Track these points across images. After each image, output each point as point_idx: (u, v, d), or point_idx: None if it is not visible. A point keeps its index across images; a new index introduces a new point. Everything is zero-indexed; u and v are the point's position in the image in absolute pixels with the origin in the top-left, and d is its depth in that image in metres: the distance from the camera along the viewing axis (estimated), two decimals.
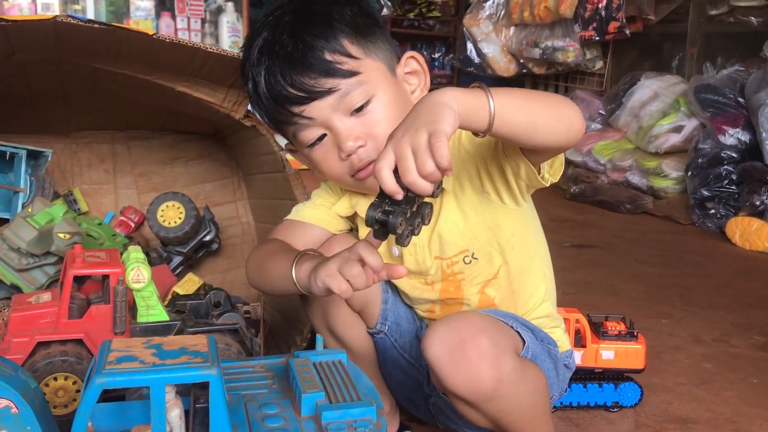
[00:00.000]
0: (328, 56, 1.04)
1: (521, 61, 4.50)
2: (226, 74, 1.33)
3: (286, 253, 1.12)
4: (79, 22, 1.12)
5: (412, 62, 1.15)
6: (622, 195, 3.53)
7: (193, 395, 0.80)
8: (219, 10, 4.28)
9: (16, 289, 1.31)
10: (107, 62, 1.31)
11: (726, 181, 3.16)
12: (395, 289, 1.24)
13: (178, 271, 1.77)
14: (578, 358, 1.44)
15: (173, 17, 4.21)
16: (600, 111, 3.93)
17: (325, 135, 1.09)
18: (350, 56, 1.05)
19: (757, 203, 2.92)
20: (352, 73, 1.05)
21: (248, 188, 1.93)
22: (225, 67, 1.29)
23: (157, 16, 4.19)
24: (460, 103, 0.85)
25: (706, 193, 3.20)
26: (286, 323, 1.62)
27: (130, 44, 1.21)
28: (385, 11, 4.59)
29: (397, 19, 5.21)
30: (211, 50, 1.21)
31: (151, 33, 1.16)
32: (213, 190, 1.93)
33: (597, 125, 3.90)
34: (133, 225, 1.82)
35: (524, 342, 1.07)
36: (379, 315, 1.21)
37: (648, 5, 3.84)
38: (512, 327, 1.08)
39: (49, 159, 1.61)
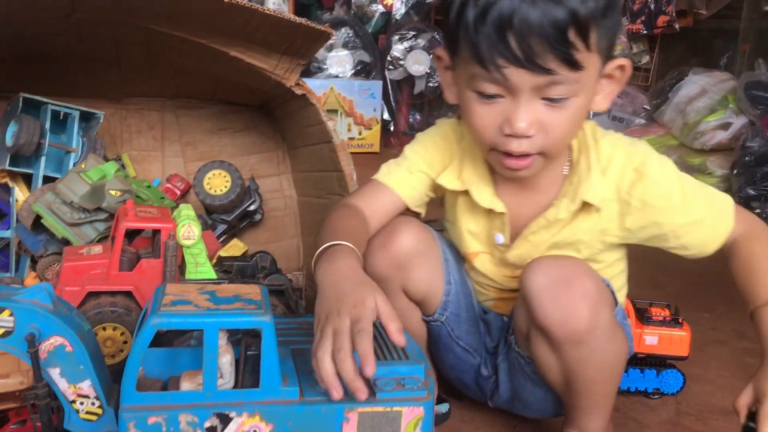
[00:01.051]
0: (571, 36, 0.89)
1: None
2: (279, 40, 1.33)
3: (329, 233, 1.07)
4: None
5: (621, 71, 1.02)
6: None
7: (245, 343, 0.80)
8: None
9: (66, 243, 1.33)
10: (163, 23, 1.32)
11: None
12: (459, 279, 1.22)
13: (221, 239, 1.78)
14: None
15: None
16: (645, 106, 3.87)
17: (502, 98, 0.97)
18: (586, 46, 0.91)
19: None
20: (578, 66, 0.91)
21: (292, 162, 1.94)
22: (279, 32, 1.29)
23: None
24: None
25: (751, 192, 3.13)
26: None
27: (189, 3, 1.22)
28: None
29: (440, 5, 5.17)
30: (267, 12, 1.21)
31: None
32: (258, 162, 1.94)
33: (641, 120, 3.84)
34: (178, 192, 1.83)
35: (617, 304, 1.07)
36: (439, 305, 1.20)
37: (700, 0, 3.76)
38: (608, 285, 1.07)
39: (101, 121, 1.63)
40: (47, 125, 1.53)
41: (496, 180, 1.14)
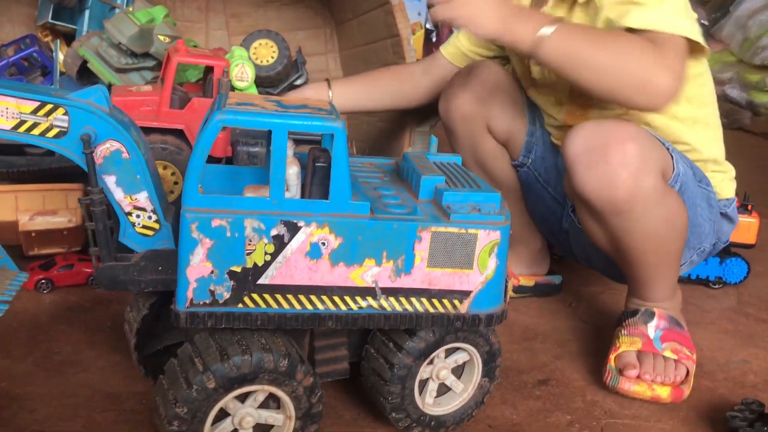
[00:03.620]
0: None
1: None
2: None
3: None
4: None
5: None
6: (719, 109, 3.33)
7: (312, 155, 0.75)
8: None
9: None
10: None
11: None
12: (542, 123, 1.19)
13: None
14: None
15: None
16: (702, 21, 3.69)
17: None
18: None
19: None
20: None
21: (341, 39, 1.85)
22: None
23: None
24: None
25: None
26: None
27: None
28: None
29: None
30: None
31: None
32: (304, 38, 1.85)
33: None
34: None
35: (675, 170, 0.98)
36: (522, 147, 1.19)
37: None
38: (669, 149, 0.99)
39: None
40: None
41: None
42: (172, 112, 1.07)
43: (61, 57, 1.51)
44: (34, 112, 0.73)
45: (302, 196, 0.74)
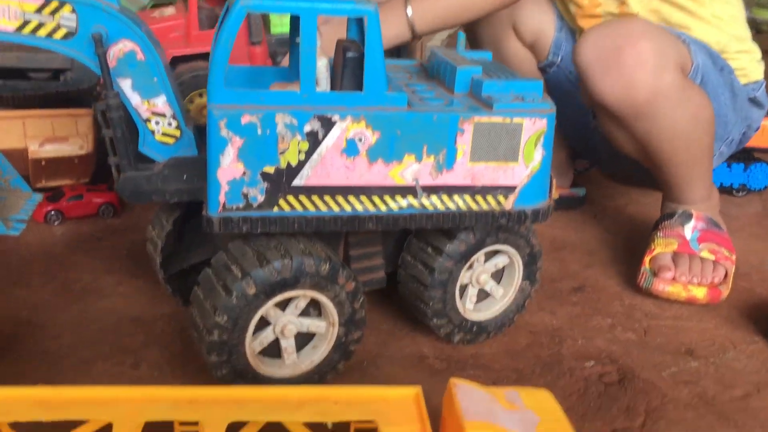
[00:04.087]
0: None
1: None
2: None
3: None
4: None
5: None
6: None
7: (341, 46, 0.69)
8: None
9: None
10: None
11: None
12: (569, 26, 1.13)
13: None
14: None
15: None
16: None
17: None
18: None
19: None
20: None
21: None
22: None
23: None
24: None
25: None
26: None
27: None
28: None
29: None
30: None
31: None
32: None
33: None
34: None
35: (693, 62, 0.94)
36: (551, 45, 1.14)
37: None
38: (684, 41, 0.94)
39: None
40: None
41: None
42: (203, 33, 1.00)
43: None
44: (39, 10, 0.67)
45: (332, 88, 0.69)
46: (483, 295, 0.83)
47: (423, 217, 0.72)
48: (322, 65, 0.69)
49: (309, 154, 0.67)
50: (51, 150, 1.04)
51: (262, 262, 0.66)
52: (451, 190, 0.71)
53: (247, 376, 0.69)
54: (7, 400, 0.57)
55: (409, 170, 0.70)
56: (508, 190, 0.73)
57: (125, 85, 0.71)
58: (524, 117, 0.70)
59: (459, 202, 0.72)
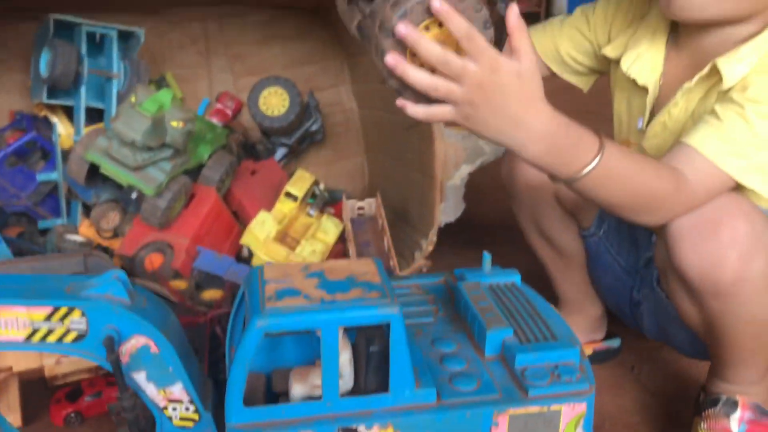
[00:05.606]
0: None
1: None
2: None
3: None
4: None
5: None
6: None
7: (365, 337, 0.66)
8: None
9: (126, 189, 1.18)
10: None
11: None
12: None
13: (283, 163, 1.63)
14: None
15: None
16: None
17: None
18: None
19: None
20: None
21: (352, 72, 1.74)
22: None
23: None
24: (546, 144, 0.75)
25: None
26: (406, 224, 1.47)
27: None
28: None
29: None
30: None
31: None
32: (314, 73, 1.74)
33: None
34: (230, 113, 1.66)
35: None
36: (596, 216, 1.09)
37: None
38: None
39: (142, 40, 1.44)
40: (83, 50, 1.35)
41: (669, 54, 0.95)
42: None
43: (61, 130, 1.42)
44: (48, 318, 0.65)
45: (356, 382, 0.66)
46: None
47: None
48: (345, 360, 0.65)
49: None
50: (67, 364, 1.01)
51: None
52: None
53: None
54: None
55: None
56: None
57: (139, 377, 0.68)
58: (562, 403, 0.66)
59: None
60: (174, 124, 1.13)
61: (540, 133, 0.74)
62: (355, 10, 0.76)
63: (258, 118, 1.55)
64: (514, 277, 0.83)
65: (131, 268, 1.18)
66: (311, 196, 1.44)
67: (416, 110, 0.72)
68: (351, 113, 1.78)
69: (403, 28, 0.65)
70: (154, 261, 1.17)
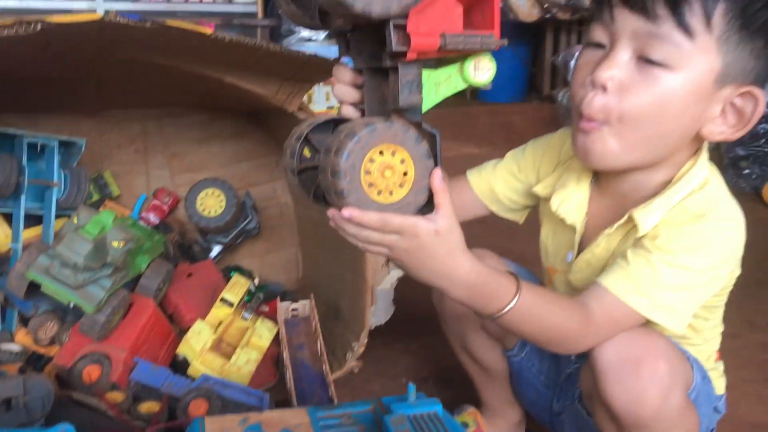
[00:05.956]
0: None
1: (545, 5, 4.29)
2: (284, 69, 1.21)
3: None
4: (130, 22, 0.99)
5: (749, 102, 0.89)
6: None
7: None
8: None
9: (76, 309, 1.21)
10: (152, 55, 1.18)
11: (763, 140, 3.05)
12: None
13: (218, 258, 1.68)
14: None
15: None
16: None
17: (603, 49, 0.90)
18: (705, 19, 0.84)
19: None
20: (685, 28, 0.84)
21: None
22: (285, 63, 1.16)
23: None
24: (467, 290, 0.85)
25: (740, 152, 3.09)
26: (338, 320, 1.54)
27: (183, 42, 1.08)
28: None
29: None
30: (273, 49, 1.08)
31: (209, 32, 1.03)
32: (249, 170, 1.82)
33: None
34: (166, 209, 1.71)
35: (694, 381, 0.99)
36: (518, 342, 1.18)
37: None
38: (689, 361, 0.99)
39: (83, 150, 1.49)
40: (24, 160, 1.39)
41: (593, 194, 1.05)
42: None
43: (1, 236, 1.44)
44: None
45: None
46: None
47: None
48: None
49: None
50: None
51: None
52: None
53: None
54: None
55: None
56: None
57: None
58: None
59: None
60: (115, 244, 1.18)
61: (461, 281, 0.84)
62: (307, 180, 0.85)
63: (195, 218, 1.60)
64: (436, 407, 0.90)
65: (69, 379, 1.21)
66: (246, 293, 1.50)
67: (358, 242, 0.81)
68: (286, 207, 1.85)
69: (347, 212, 0.74)
70: (91, 373, 1.20)
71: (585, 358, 0.99)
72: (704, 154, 0.96)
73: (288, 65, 1.17)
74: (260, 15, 3.97)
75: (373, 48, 0.78)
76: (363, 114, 0.85)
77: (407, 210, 0.79)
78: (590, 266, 1.04)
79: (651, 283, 0.91)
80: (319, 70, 1.17)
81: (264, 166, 1.83)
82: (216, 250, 1.66)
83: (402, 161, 0.77)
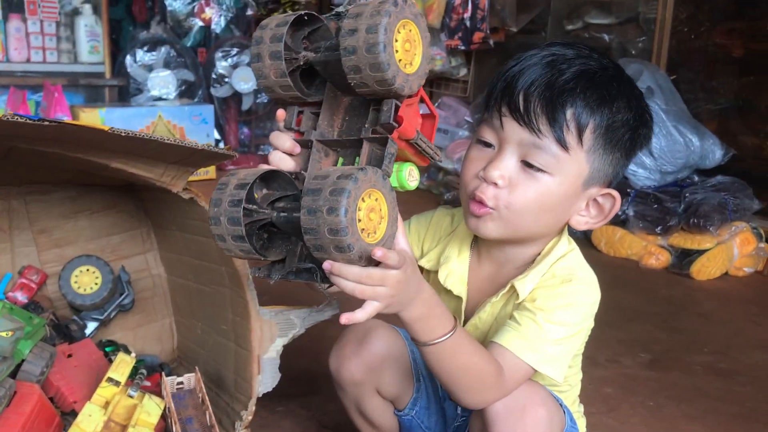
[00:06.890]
0: (568, 115, 1.02)
1: None
2: (173, 155, 1.26)
3: None
4: (27, 121, 1.02)
5: (608, 200, 1.11)
6: None
7: None
8: (75, 12, 3.88)
9: None
10: (38, 144, 1.19)
11: None
12: (428, 373, 1.28)
13: (93, 335, 1.66)
14: None
15: (24, 20, 3.75)
16: (467, 118, 4.09)
17: (493, 149, 1.07)
18: (579, 138, 1.03)
19: (619, 213, 3.19)
20: (563, 146, 1.03)
21: (160, 241, 1.84)
22: (175, 151, 1.22)
23: (5, 18, 3.71)
24: (419, 320, 0.97)
25: None
26: (222, 391, 1.57)
27: (77, 134, 1.12)
28: (249, 11, 4.46)
29: (260, 18, 5.09)
30: (168, 142, 1.14)
31: (106, 129, 1.07)
32: (120, 242, 1.81)
33: (465, 132, 4.04)
34: (35, 287, 1.67)
35: (567, 426, 1.13)
36: (409, 401, 1.28)
37: (510, 17, 4.03)
38: (562, 406, 1.14)
39: None
40: None
41: (473, 264, 1.20)
42: None
43: None
44: None
45: None
46: None
47: None
48: None
49: None
50: None
51: None
52: None
53: None
54: None
55: None
56: None
57: None
58: None
59: None
60: (3, 334, 1.16)
61: (424, 299, 0.96)
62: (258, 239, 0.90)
63: (70, 296, 1.59)
64: None
65: None
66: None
67: (355, 316, 0.90)
68: (158, 278, 1.86)
69: (327, 265, 0.84)
70: None
71: (470, 411, 1.12)
72: (565, 232, 1.16)
73: (178, 152, 1.22)
74: (108, 75, 3.91)
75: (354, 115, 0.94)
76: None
77: (390, 243, 0.89)
78: (478, 329, 1.18)
79: (538, 339, 1.07)
80: (208, 157, 1.24)
81: (135, 237, 1.83)
82: (91, 327, 1.64)
83: (376, 199, 0.86)
